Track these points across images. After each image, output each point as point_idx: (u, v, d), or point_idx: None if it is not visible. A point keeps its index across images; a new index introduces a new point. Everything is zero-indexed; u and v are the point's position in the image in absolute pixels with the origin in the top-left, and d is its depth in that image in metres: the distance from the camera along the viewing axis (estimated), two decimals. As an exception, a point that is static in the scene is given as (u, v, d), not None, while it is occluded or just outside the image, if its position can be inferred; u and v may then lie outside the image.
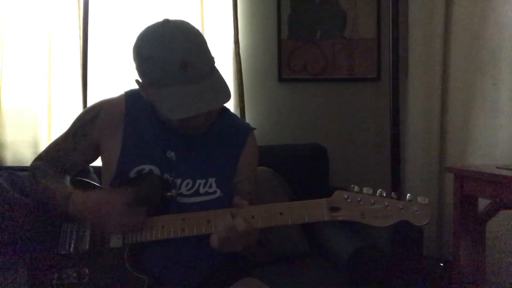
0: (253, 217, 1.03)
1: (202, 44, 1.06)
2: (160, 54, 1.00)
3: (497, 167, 1.58)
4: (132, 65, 1.10)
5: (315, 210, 1.00)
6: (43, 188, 1.17)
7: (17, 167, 2.02)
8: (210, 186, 1.18)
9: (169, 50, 1.00)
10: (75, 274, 1.12)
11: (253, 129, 1.29)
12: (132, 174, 1.17)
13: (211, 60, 1.08)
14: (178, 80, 1.01)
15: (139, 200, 1.10)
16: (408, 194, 0.97)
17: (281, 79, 2.47)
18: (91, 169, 1.78)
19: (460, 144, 2.26)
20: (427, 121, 2.39)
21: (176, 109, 1.01)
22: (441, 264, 2.13)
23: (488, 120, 2.05)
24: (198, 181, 1.17)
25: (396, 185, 2.12)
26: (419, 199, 0.96)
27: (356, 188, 1.00)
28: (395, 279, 1.66)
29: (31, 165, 1.25)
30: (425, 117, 2.39)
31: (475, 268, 1.70)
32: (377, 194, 0.98)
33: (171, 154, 1.18)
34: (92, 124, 1.20)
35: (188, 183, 1.17)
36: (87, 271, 1.11)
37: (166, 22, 1.04)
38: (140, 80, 1.09)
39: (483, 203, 1.69)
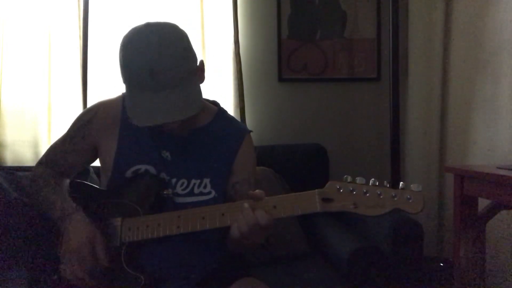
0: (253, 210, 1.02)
1: (174, 56, 1.04)
2: (131, 57, 1.03)
3: (497, 167, 1.57)
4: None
5: (307, 201, 1.00)
6: (44, 198, 1.18)
7: (17, 167, 2.02)
8: (205, 187, 1.18)
9: (141, 56, 1.01)
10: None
11: (250, 131, 1.29)
12: (128, 174, 1.17)
13: (184, 70, 1.05)
14: (144, 86, 1.02)
15: (132, 208, 1.12)
16: (401, 182, 0.97)
17: (281, 79, 2.47)
18: (91, 169, 1.79)
19: (460, 144, 2.26)
20: (427, 121, 2.39)
21: (139, 115, 1.03)
22: (441, 264, 2.13)
23: (488, 120, 2.05)
24: (193, 181, 1.18)
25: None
26: (412, 186, 0.95)
27: (349, 178, 0.98)
28: (395, 279, 1.66)
29: (33, 171, 1.26)
30: (425, 117, 2.39)
31: (475, 268, 1.70)
32: (370, 184, 0.97)
33: (166, 154, 1.19)
34: (90, 125, 1.22)
35: (183, 183, 1.17)
36: (85, 271, 1.11)
37: (147, 26, 1.06)
38: None
39: (483, 203, 1.69)
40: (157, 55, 1.01)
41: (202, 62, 1.14)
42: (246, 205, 1.01)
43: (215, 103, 1.31)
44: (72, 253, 1.06)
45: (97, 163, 1.29)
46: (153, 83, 1.01)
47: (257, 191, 1.04)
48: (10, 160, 2.17)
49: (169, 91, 1.03)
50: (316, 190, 0.99)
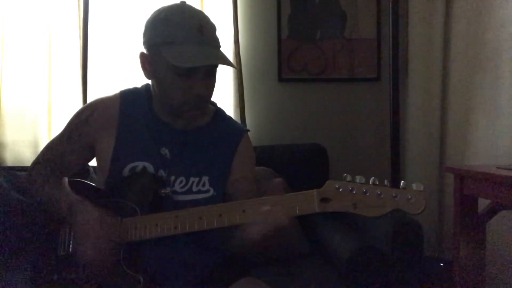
0: (244, 211, 1.01)
1: (214, 26, 1.14)
2: (179, 16, 1.08)
3: (497, 167, 1.57)
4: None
5: (305, 201, 0.97)
6: (46, 195, 1.17)
7: (17, 167, 2.02)
8: (203, 185, 1.18)
9: (188, 14, 1.08)
10: (73, 275, 1.11)
11: (247, 130, 1.29)
12: (126, 171, 1.17)
13: (219, 42, 1.15)
14: (193, 40, 1.06)
15: (130, 206, 1.11)
16: (402, 182, 0.93)
17: (281, 79, 2.47)
18: (91, 169, 1.78)
19: (460, 144, 2.26)
20: (427, 121, 2.39)
21: (187, 59, 1.05)
22: (441, 264, 2.13)
23: (488, 120, 2.05)
24: (192, 179, 1.17)
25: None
26: (414, 185, 0.92)
27: (349, 177, 0.95)
28: (395, 279, 1.66)
29: (29, 171, 1.25)
30: (425, 117, 2.39)
31: (475, 268, 1.70)
32: (370, 183, 0.94)
33: (165, 151, 1.18)
34: (87, 123, 1.21)
35: (181, 181, 1.17)
36: (85, 271, 1.11)
37: (182, 2, 1.13)
38: (147, 51, 1.11)
39: (483, 203, 1.69)
40: (203, 16, 1.11)
41: None
42: (265, 207, 0.98)
43: (212, 103, 1.31)
44: (86, 234, 1.05)
45: (95, 162, 1.29)
46: (201, 37, 1.07)
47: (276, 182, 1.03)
48: (10, 160, 2.17)
49: (215, 48, 1.11)
50: (315, 189, 0.97)
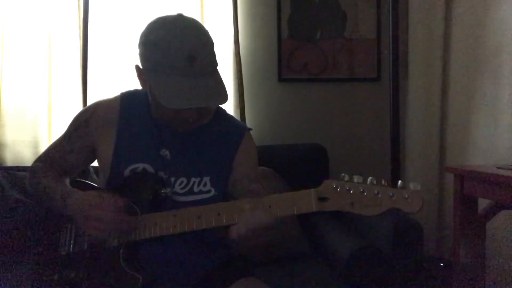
0: (242, 210, 1.02)
1: (210, 45, 1.07)
2: (170, 42, 1.01)
3: (497, 167, 1.57)
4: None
5: (302, 201, 0.98)
6: (43, 187, 1.18)
7: (17, 167, 2.01)
8: (205, 185, 1.18)
9: (180, 40, 1.01)
10: (73, 274, 1.12)
11: (249, 129, 1.29)
12: (126, 173, 1.17)
13: (215, 61, 1.09)
14: (182, 71, 1.01)
15: (130, 207, 1.10)
16: (400, 181, 0.94)
17: (281, 79, 2.47)
18: (92, 170, 1.78)
19: (460, 144, 2.26)
20: (427, 121, 2.39)
21: (173, 99, 1.01)
22: (441, 264, 2.13)
23: (488, 120, 2.05)
24: (193, 180, 1.17)
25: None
26: (411, 185, 0.92)
27: (346, 177, 0.96)
28: (395, 279, 1.66)
29: (32, 166, 1.26)
30: (425, 117, 2.39)
31: (475, 268, 1.70)
32: (367, 182, 0.95)
33: (165, 153, 1.19)
34: (87, 125, 1.21)
35: (182, 182, 1.17)
36: (84, 271, 1.11)
37: (180, 16, 1.07)
38: (141, 66, 1.10)
39: (483, 203, 1.69)
40: (196, 40, 1.02)
41: None
42: (246, 206, 1.00)
43: None
44: (97, 220, 1.06)
45: (96, 163, 1.29)
46: (190, 68, 1.01)
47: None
48: (10, 160, 2.17)
49: (205, 78, 1.04)
50: (312, 189, 0.98)
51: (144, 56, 1.07)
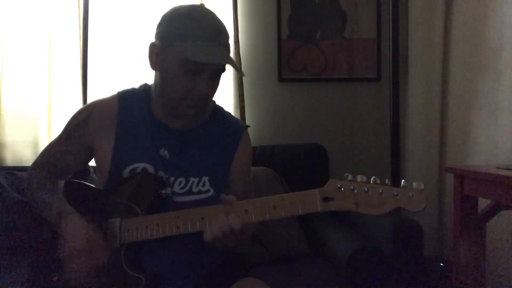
0: (246, 211, 1.02)
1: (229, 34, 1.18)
2: (200, 14, 1.12)
3: (497, 167, 1.57)
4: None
5: (307, 201, 0.98)
6: (41, 200, 1.17)
7: (17, 167, 2.02)
8: (204, 185, 1.18)
9: (210, 15, 1.13)
10: (74, 275, 1.11)
11: (247, 126, 1.29)
12: (126, 172, 1.17)
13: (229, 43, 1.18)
14: (212, 38, 1.09)
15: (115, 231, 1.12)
16: (403, 180, 0.95)
17: (281, 79, 2.47)
18: (91, 169, 1.78)
19: (460, 144, 2.26)
20: (427, 121, 2.38)
21: (202, 55, 1.06)
22: (441, 264, 2.13)
23: (488, 120, 2.05)
24: (192, 180, 1.17)
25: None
26: (415, 184, 0.93)
27: (350, 177, 0.97)
28: (395, 279, 1.66)
29: (28, 173, 1.25)
30: (425, 117, 2.39)
31: (475, 268, 1.70)
32: (371, 182, 0.95)
33: (164, 153, 1.18)
34: (85, 124, 1.20)
35: (181, 182, 1.17)
36: (85, 271, 1.11)
37: (203, 5, 1.20)
38: (161, 42, 1.11)
39: (483, 203, 1.69)
40: (219, 19, 1.15)
41: None
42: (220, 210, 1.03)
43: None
44: (72, 256, 1.06)
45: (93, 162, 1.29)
46: (218, 37, 1.11)
47: (230, 196, 1.05)
48: (10, 160, 2.17)
49: (227, 52, 1.15)
50: (317, 189, 0.98)
51: (172, 26, 1.11)
